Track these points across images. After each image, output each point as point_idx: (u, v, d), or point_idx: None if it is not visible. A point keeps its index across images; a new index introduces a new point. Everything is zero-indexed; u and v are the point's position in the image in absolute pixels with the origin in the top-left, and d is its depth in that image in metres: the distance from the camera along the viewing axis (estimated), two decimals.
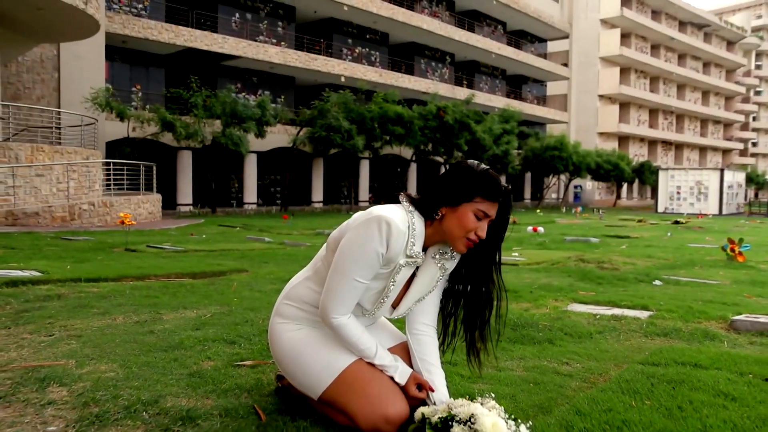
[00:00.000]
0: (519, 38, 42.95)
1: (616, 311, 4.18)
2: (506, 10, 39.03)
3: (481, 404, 1.76)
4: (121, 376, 2.36)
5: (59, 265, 5.92)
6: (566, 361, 2.85)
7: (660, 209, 31.92)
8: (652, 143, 54.87)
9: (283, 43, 29.02)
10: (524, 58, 40.31)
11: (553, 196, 45.05)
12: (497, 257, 2.02)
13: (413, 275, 1.99)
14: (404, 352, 2.07)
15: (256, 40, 27.41)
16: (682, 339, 3.47)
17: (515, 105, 37.01)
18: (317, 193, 29.87)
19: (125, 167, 17.30)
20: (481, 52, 37.38)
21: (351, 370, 1.90)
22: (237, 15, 27.55)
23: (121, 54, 23.99)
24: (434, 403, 1.86)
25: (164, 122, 20.61)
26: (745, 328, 3.72)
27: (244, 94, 26.73)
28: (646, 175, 43.04)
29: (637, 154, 51.60)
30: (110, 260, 6.73)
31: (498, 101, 37.80)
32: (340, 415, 1.89)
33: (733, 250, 8.29)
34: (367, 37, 33.23)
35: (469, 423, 1.64)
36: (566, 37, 45.98)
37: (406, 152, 31.02)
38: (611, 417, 1.87)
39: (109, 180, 16.82)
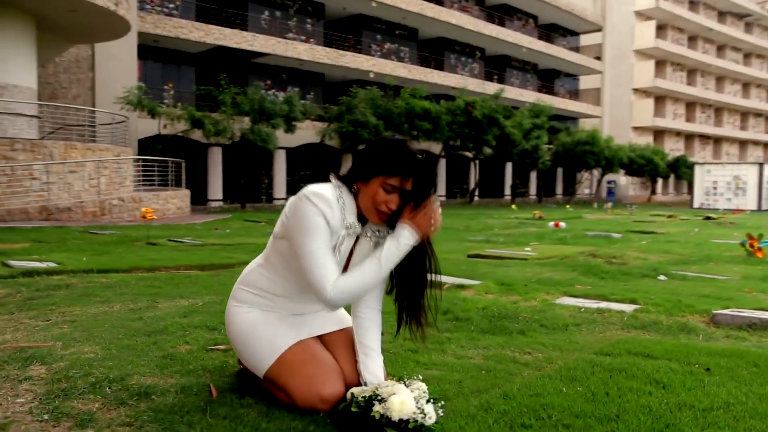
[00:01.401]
0: (551, 32, 42.48)
1: (603, 305, 4.23)
2: (537, 3, 38.67)
3: (406, 385, 1.88)
4: (99, 357, 2.56)
5: (77, 257, 6.21)
6: (529, 351, 2.94)
7: (696, 205, 31.27)
8: (689, 138, 53.66)
9: (312, 40, 29.30)
10: (556, 52, 39.88)
11: (586, 191, 44.49)
12: None
13: (352, 253, 2.09)
14: (348, 337, 2.19)
15: (285, 38, 27.75)
16: (659, 332, 3.52)
17: (546, 99, 36.64)
18: None
19: (156, 164, 17.78)
20: (511, 46, 37.12)
21: (291, 352, 2.04)
22: (266, 13, 27.93)
23: (154, 53, 24.57)
24: (366, 385, 1.98)
25: (193, 119, 21.08)
26: (725, 321, 3.75)
27: (273, 90, 27.09)
28: (682, 170, 42.16)
29: (673, 148, 50.52)
30: (128, 253, 7.01)
31: (529, 96, 37.50)
32: (282, 393, 2.03)
33: (752, 245, 8.18)
34: (397, 33, 33.31)
35: (384, 402, 1.77)
36: (599, 30, 45.28)
37: (435, 148, 31.03)
38: (534, 401, 1.97)
39: (140, 176, 17.32)
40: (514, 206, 27.30)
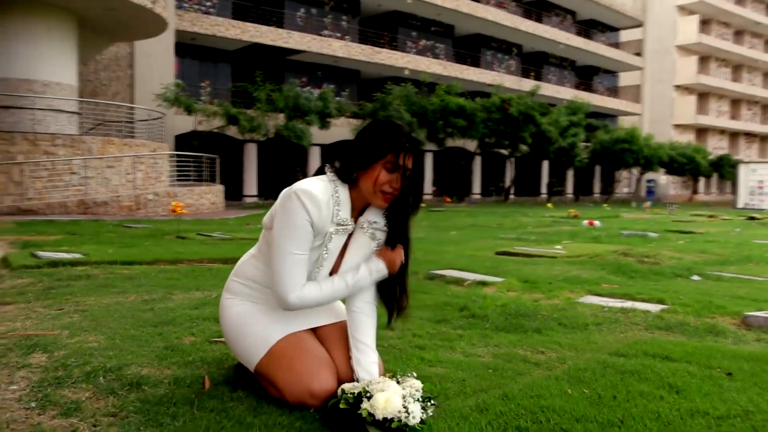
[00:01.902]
0: (589, 28, 41.68)
1: (628, 304, 4.08)
2: None
3: (398, 382, 1.81)
4: (101, 346, 2.54)
5: (104, 249, 6.29)
6: (542, 351, 2.83)
7: (740, 205, 30.28)
8: (734, 135, 52.04)
9: (347, 37, 29.33)
10: (594, 48, 39.12)
11: (625, 190, 43.57)
12: (412, 208, 2.03)
13: (347, 246, 2.04)
14: (343, 331, 2.12)
15: (320, 35, 27.84)
16: (684, 333, 3.36)
17: (584, 96, 35.96)
18: None
19: (191, 159, 18.02)
20: (549, 42, 36.56)
21: (280, 345, 1.98)
22: (302, 10, 28.07)
23: (191, 50, 24.92)
24: (359, 381, 1.91)
25: (229, 116, 21.31)
26: (757, 324, 3.57)
27: (309, 87, 27.21)
28: (726, 169, 40.91)
29: (717, 147, 49.05)
30: (155, 246, 7.08)
31: (566, 93, 36.87)
32: (272, 388, 1.97)
33: None
34: (432, 29, 33.11)
35: (372, 399, 1.69)
36: (640, 25, 44.24)
37: (470, 145, 30.77)
38: (534, 402, 1.86)
39: (176, 171, 17.58)
40: (549, 205, 26.87)
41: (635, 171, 39.27)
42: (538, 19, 36.96)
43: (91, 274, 4.64)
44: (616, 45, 43.99)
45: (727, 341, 3.21)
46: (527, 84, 34.06)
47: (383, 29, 31.23)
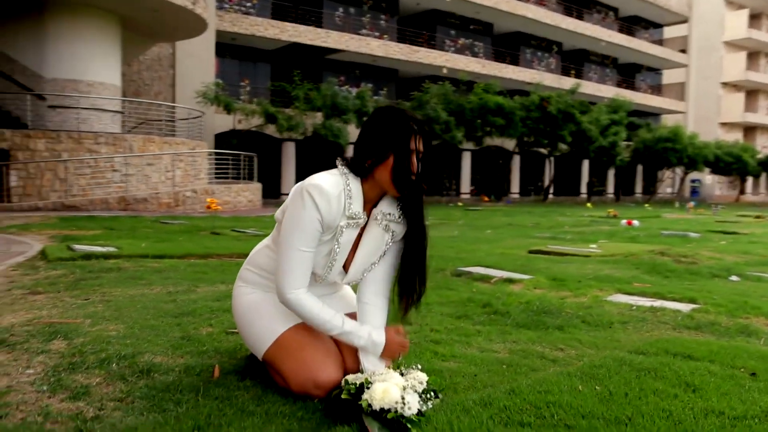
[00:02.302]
0: (632, 24, 40.77)
1: (657, 303, 3.97)
2: None
3: (402, 375, 1.79)
4: (120, 335, 2.59)
5: (138, 243, 6.43)
6: (562, 348, 2.77)
7: None
8: None
9: (385, 36, 29.36)
10: (637, 45, 38.26)
11: (668, 190, 42.51)
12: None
13: (361, 238, 2.02)
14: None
15: (359, 34, 27.93)
16: (714, 333, 3.25)
17: (626, 94, 35.21)
18: None
19: (229, 157, 18.30)
20: (590, 40, 35.92)
21: (288, 335, 1.98)
22: (341, 9, 28.21)
23: (231, 50, 25.30)
24: (363, 373, 1.89)
25: (267, 114, 21.56)
26: None
27: (347, 86, 27.34)
28: None
29: (766, 146, 47.43)
30: (187, 241, 7.20)
31: (607, 91, 36.16)
32: (279, 377, 1.98)
33: None
34: (471, 27, 32.90)
35: (370, 389, 1.68)
36: (685, 21, 43.07)
37: (509, 144, 30.46)
38: (541, 398, 1.81)
39: (214, 169, 17.88)
40: (589, 204, 26.40)
41: (679, 171, 38.28)
42: (579, 17, 36.34)
43: (121, 266, 4.75)
44: (660, 42, 42.93)
45: (759, 342, 3.09)
46: (567, 82, 33.53)
47: (422, 28, 31.15)
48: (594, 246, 8.49)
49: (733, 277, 5.76)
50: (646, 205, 29.58)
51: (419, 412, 1.62)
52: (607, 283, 4.81)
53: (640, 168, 39.59)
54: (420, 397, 1.68)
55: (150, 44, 19.84)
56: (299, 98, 22.17)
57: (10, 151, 13.28)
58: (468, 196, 31.30)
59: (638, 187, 40.78)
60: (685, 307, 3.89)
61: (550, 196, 33.11)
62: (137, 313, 3.06)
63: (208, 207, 9.26)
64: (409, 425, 1.57)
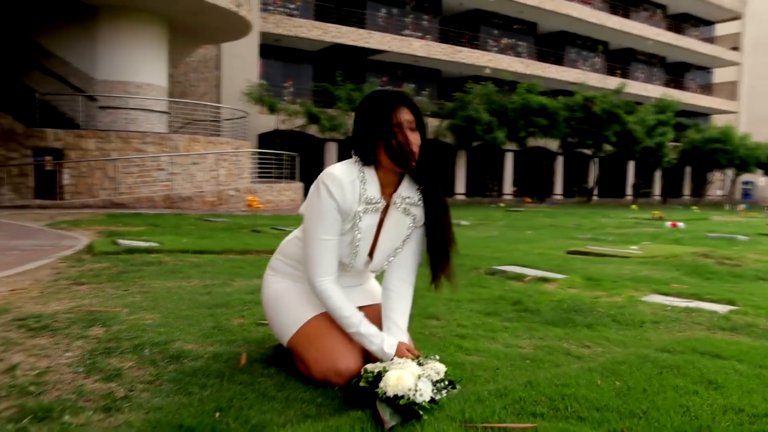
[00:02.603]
0: (681, 22, 39.66)
1: (693, 304, 3.89)
2: None
3: (420, 364, 1.82)
4: (154, 324, 2.70)
5: (179, 239, 6.61)
6: (588, 345, 2.75)
7: None
8: None
9: (428, 36, 29.34)
10: (686, 43, 37.21)
11: (718, 192, 41.22)
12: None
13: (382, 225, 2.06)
14: (376, 314, 2.12)
15: (401, 34, 27.98)
16: (750, 335, 3.16)
17: (674, 94, 34.29)
18: (460, 185, 29.91)
19: (272, 157, 18.59)
20: (637, 39, 35.12)
21: (312, 324, 2.03)
22: (383, 10, 28.32)
23: (275, 52, 25.68)
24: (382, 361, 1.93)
25: (310, 115, 21.83)
26: None
27: (390, 87, 27.43)
28: None
29: None
30: (228, 238, 7.36)
31: (654, 91, 35.29)
32: (302, 364, 2.04)
33: None
34: (514, 27, 32.59)
35: (385, 377, 1.72)
36: (737, 18, 41.68)
37: (552, 144, 30.06)
38: (558, 391, 1.82)
39: (257, 169, 18.19)
40: (634, 206, 25.85)
41: (729, 172, 37.09)
42: (626, 15, 35.58)
43: (162, 260, 4.90)
44: (711, 40, 41.65)
45: None
46: (613, 82, 32.88)
47: (464, 28, 31.01)
48: (635, 247, 8.34)
49: None
50: (694, 207, 28.79)
51: (432, 400, 1.66)
52: (644, 284, 4.74)
53: (688, 170, 38.51)
54: (434, 385, 1.71)
55: (196, 46, 20.31)
56: (342, 98, 22.37)
57: (63, 150, 13.81)
58: (510, 197, 31.01)
59: (686, 189, 39.67)
60: (722, 309, 3.81)
61: (594, 197, 32.53)
62: (173, 303, 3.17)
63: (249, 205, 9.44)
64: (420, 411, 1.60)
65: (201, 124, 18.50)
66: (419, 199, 2.05)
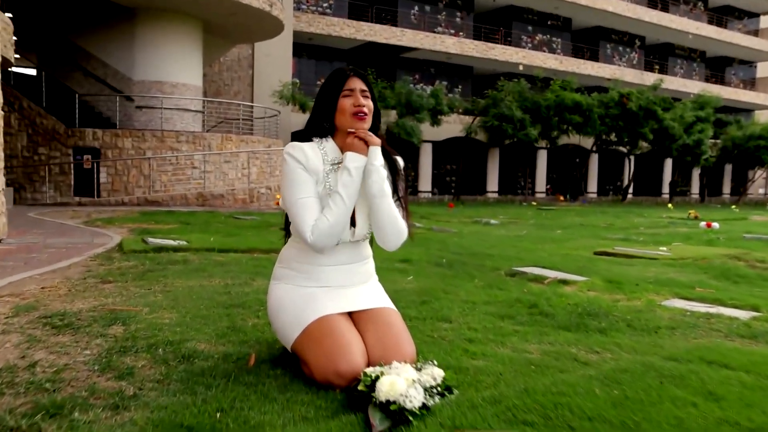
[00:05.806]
0: (723, 15, 38.63)
1: (714, 309, 3.84)
2: None
3: (417, 368, 1.86)
4: (172, 323, 2.80)
5: (207, 237, 6.76)
6: (598, 351, 2.75)
7: None
8: None
9: (461, 33, 29.22)
10: (728, 37, 36.24)
11: (760, 191, 40.12)
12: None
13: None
14: (378, 316, 2.18)
15: (434, 32, 27.92)
16: None
17: (714, 90, 33.45)
18: (492, 183, 29.73)
19: None
20: (675, 33, 34.37)
21: (314, 326, 2.09)
22: (416, 8, 28.30)
23: (308, 50, 25.90)
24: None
25: None
26: None
27: (422, 84, 27.41)
28: None
29: None
30: (254, 236, 7.49)
31: (693, 86, 34.50)
32: (305, 367, 2.10)
33: None
34: (548, 23, 32.23)
35: (379, 381, 1.76)
36: None
37: (586, 142, 29.65)
38: (552, 399, 1.83)
39: None
40: (670, 205, 25.33)
41: None
42: (664, 9, 34.85)
43: (188, 259, 5.03)
44: (755, 32, 40.48)
45: None
46: (650, 78, 32.25)
47: (498, 24, 30.79)
48: (664, 249, 8.20)
49: None
50: (734, 206, 28.07)
51: (424, 406, 1.69)
52: (666, 287, 4.68)
53: (728, 167, 37.58)
54: (426, 391, 1.75)
55: (230, 46, 20.61)
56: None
57: (101, 149, 14.19)
58: (543, 195, 30.71)
59: (726, 188, 38.71)
60: (744, 315, 3.75)
61: (630, 196, 31.99)
62: (192, 303, 3.27)
63: (277, 203, 9.57)
64: (411, 417, 1.64)
65: (234, 123, 18.79)
66: (384, 165, 2.21)
